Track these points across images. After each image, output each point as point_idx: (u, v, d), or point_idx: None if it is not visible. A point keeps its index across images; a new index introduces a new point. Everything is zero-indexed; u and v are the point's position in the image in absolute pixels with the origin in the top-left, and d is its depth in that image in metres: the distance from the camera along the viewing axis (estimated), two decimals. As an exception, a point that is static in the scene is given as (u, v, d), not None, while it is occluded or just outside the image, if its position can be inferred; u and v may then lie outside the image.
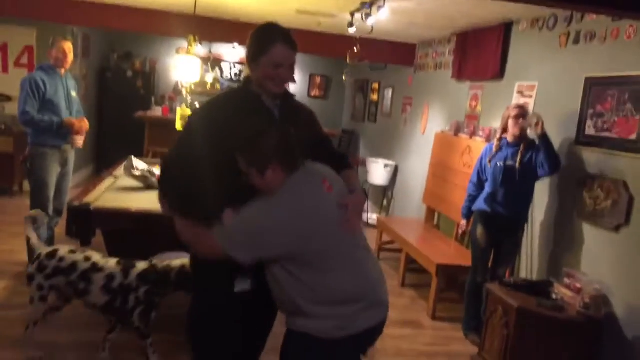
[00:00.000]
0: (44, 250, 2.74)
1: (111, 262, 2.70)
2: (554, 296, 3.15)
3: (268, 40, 1.85)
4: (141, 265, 2.70)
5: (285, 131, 1.78)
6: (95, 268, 2.66)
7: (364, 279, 1.80)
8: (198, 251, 1.87)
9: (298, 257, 1.71)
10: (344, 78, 6.54)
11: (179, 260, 2.68)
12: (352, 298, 1.74)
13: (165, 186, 1.96)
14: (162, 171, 2.00)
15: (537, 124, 3.29)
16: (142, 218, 3.02)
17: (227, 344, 1.98)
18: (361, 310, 1.74)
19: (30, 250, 2.94)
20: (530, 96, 4.06)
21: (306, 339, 1.74)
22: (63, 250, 2.72)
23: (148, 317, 2.69)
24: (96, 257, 2.72)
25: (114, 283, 2.63)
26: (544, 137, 3.30)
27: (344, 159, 2.12)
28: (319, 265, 1.72)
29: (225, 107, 1.92)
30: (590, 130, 3.37)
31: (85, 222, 2.99)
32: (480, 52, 4.83)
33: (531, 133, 3.45)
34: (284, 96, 1.98)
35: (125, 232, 3.09)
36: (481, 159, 3.77)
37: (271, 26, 1.90)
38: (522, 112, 3.51)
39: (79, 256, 2.68)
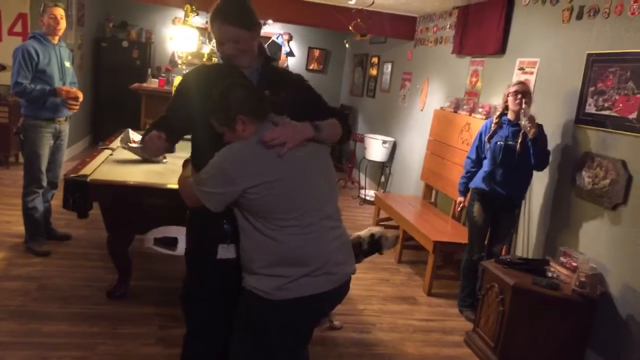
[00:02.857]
0: None
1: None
2: (549, 274, 3.16)
3: (211, 22, 1.88)
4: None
5: (248, 84, 1.84)
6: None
7: (318, 245, 1.78)
8: (190, 204, 1.89)
9: (257, 204, 1.71)
10: (346, 45, 6.45)
11: (366, 230, 3.12)
12: (300, 261, 1.73)
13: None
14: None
15: (530, 129, 3.28)
16: (140, 191, 3.01)
17: (209, 311, 2.02)
18: (304, 275, 1.73)
19: None
20: (532, 72, 4.02)
21: (251, 297, 1.78)
22: None
23: None
24: None
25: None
26: (534, 140, 3.30)
27: (339, 114, 2.07)
28: (277, 219, 1.73)
29: (204, 75, 1.97)
30: (590, 108, 3.35)
31: (82, 195, 2.97)
32: (482, 26, 4.76)
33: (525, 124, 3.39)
34: (265, 61, 2.00)
35: (122, 204, 3.08)
36: (480, 135, 3.74)
37: (215, 6, 1.89)
38: (522, 89, 3.46)
39: None
